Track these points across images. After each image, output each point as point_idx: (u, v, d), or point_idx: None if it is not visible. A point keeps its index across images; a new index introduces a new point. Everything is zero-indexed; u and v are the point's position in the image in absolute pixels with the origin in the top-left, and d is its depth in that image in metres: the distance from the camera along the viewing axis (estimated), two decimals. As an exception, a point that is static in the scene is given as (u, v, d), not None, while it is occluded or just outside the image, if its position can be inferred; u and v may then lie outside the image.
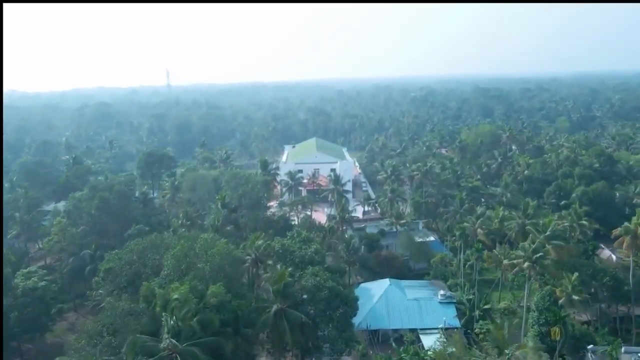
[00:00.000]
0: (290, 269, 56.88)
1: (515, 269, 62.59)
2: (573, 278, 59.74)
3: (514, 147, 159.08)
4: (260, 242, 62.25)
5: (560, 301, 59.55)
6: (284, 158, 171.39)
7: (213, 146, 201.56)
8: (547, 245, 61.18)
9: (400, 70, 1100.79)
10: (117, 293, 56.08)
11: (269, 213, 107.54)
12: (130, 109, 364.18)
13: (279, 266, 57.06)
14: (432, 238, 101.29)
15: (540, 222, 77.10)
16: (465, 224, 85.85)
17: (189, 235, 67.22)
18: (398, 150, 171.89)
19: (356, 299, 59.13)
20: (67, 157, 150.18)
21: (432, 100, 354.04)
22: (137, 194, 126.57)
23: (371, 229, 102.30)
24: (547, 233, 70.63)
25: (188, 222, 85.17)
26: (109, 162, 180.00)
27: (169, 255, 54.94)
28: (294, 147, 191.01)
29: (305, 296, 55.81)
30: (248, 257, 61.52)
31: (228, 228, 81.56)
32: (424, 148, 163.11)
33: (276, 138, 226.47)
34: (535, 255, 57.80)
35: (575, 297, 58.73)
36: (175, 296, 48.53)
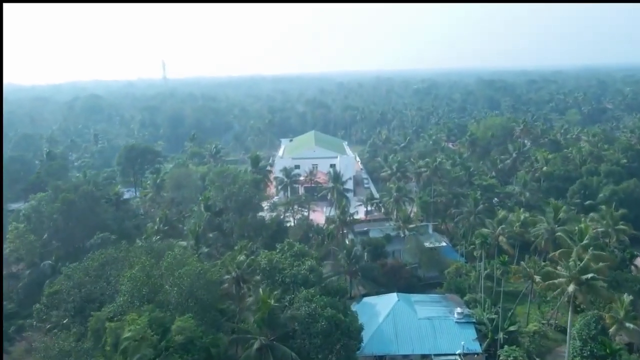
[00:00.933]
0: (277, 292, 45.85)
1: (556, 292, 51.54)
2: (626, 301, 48.75)
3: (525, 142, 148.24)
4: (242, 257, 51.14)
5: (611, 330, 48.61)
6: (280, 152, 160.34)
7: (206, 140, 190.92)
8: (592, 264, 49.77)
9: (400, 64, 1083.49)
10: (65, 323, 45.12)
11: (261, 215, 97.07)
12: (124, 101, 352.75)
13: (261, 289, 45.81)
14: (443, 243, 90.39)
15: (575, 228, 66.15)
16: (484, 229, 74.78)
17: (160, 245, 56.18)
18: (402, 144, 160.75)
19: (360, 329, 48.22)
20: (48, 151, 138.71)
21: (436, 92, 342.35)
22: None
23: (375, 233, 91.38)
24: (585, 242, 59.69)
25: (166, 228, 74.19)
26: (95, 156, 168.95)
27: (126, 276, 43.94)
28: (291, 140, 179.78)
29: (297, 326, 44.88)
30: (228, 276, 50.47)
31: (211, 235, 70.71)
32: (430, 142, 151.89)
33: (273, 131, 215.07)
34: (585, 276, 46.71)
35: (630, 326, 47.73)
36: (129, 334, 37.69)
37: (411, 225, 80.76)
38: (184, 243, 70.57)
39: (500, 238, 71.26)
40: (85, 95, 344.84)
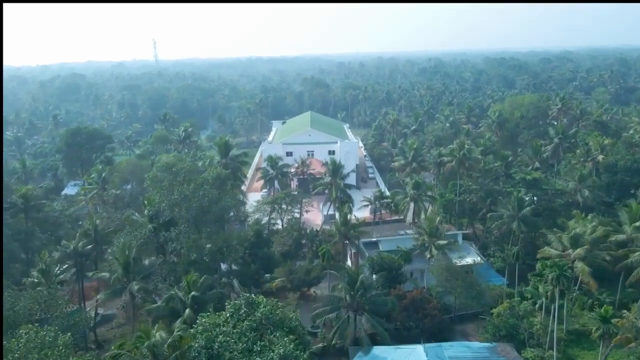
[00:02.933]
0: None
1: None
2: None
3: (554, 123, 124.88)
4: (159, 334, 28.03)
5: None
6: (270, 137, 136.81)
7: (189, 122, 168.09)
8: None
9: (401, 46, 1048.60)
10: None
11: (240, 220, 74.49)
12: (108, 82, 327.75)
13: None
14: (479, 259, 67.47)
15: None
16: (549, 250, 51.61)
17: (31, 296, 32.83)
18: (413, 127, 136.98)
19: None
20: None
21: (444, 70, 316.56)
22: (63, 193, 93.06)
23: (387, 245, 68.49)
24: None
25: (88, 247, 50.98)
26: (55, 141, 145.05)
27: None
28: (284, 123, 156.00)
29: None
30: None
31: (146, 262, 47.49)
32: (447, 124, 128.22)
33: (265, 113, 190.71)
34: None
35: None
36: None
37: (442, 242, 57.37)
38: (105, 275, 47.61)
39: (579, 266, 47.94)
40: (65, 74, 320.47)
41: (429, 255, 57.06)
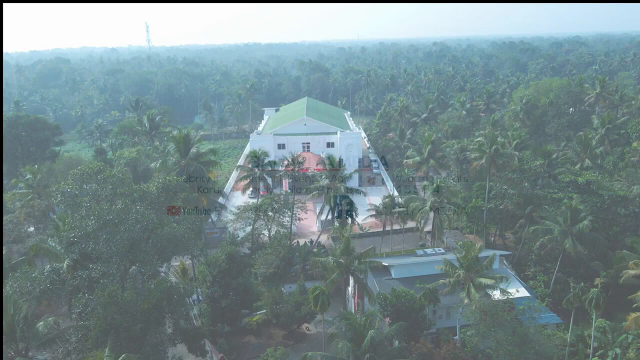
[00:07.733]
0: None
1: None
2: None
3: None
4: None
5: None
6: (260, 127, 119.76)
7: (178, 111, 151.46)
8: None
9: (398, 33, 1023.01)
10: None
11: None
12: (96, 67, 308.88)
13: None
14: (524, 289, 50.98)
15: None
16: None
17: None
18: (424, 115, 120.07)
19: None
20: None
21: (451, 54, 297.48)
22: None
23: (400, 272, 51.96)
24: None
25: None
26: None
27: None
28: (277, 110, 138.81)
29: None
30: None
31: (51, 320, 30.75)
32: (464, 112, 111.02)
33: (258, 99, 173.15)
34: None
35: None
36: None
37: (486, 281, 40.48)
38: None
39: None
40: (49, 59, 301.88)
41: (466, 300, 40.25)
